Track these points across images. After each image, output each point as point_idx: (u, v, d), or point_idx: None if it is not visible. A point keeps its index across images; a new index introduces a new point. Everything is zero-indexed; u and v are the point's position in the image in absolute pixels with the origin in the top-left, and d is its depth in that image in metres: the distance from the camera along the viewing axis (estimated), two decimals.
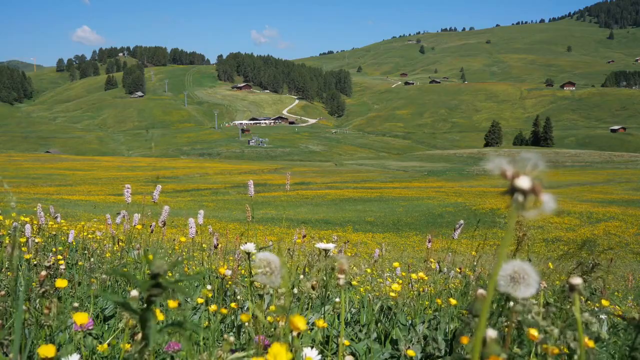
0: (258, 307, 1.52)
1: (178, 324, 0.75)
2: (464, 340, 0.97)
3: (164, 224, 3.29)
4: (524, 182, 0.57)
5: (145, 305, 0.71)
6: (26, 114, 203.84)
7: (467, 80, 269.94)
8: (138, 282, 0.71)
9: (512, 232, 0.59)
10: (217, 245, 3.66)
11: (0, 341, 1.37)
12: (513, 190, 0.57)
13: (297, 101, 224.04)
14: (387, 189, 50.65)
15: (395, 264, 3.89)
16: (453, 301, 2.57)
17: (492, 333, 0.75)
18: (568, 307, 1.06)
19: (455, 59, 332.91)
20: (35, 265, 2.80)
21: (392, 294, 2.42)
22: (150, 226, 4.01)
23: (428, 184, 57.28)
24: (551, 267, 4.43)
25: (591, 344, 1.07)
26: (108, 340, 1.92)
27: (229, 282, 2.72)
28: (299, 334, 1.17)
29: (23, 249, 3.46)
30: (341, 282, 1.26)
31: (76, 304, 1.74)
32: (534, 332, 1.08)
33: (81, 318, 1.48)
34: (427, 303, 3.22)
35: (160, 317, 1.72)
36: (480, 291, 0.95)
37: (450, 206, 35.21)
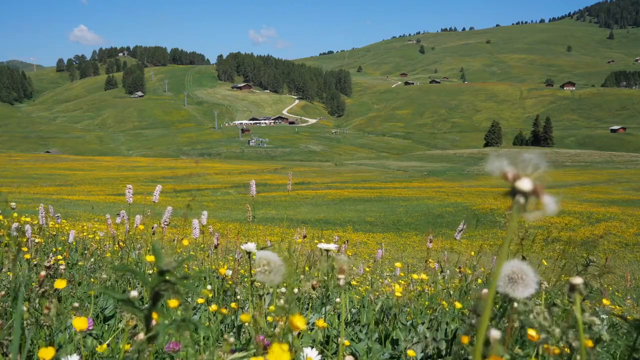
0: (258, 307, 1.52)
1: (185, 321, 0.75)
2: (465, 339, 0.96)
3: (167, 224, 3.29)
4: (525, 184, 0.56)
5: (151, 302, 0.71)
6: (26, 114, 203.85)
7: (467, 80, 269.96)
8: (146, 279, 0.71)
9: (512, 233, 0.59)
10: (217, 245, 3.66)
11: (0, 341, 1.37)
12: (514, 192, 0.57)
13: (297, 101, 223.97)
14: (387, 189, 50.64)
15: (397, 264, 3.89)
16: (456, 303, 2.57)
17: (495, 333, 0.75)
18: (569, 307, 1.06)
19: (455, 59, 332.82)
20: (35, 265, 2.80)
21: (398, 294, 2.42)
22: (152, 227, 4.01)
23: (428, 184, 57.27)
24: (545, 264, 4.43)
25: (591, 344, 1.07)
26: (108, 341, 1.92)
27: (229, 282, 2.72)
28: (299, 334, 1.17)
29: (24, 248, 3.46)
30: (341, 282, 1.26)
31: (76, 304, 1.74)
32: (533, 332, 1.08)
33: (80, 323, 1.39)
34: (427, 303, 3.22)
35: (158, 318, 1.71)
36: (485, 291, 0.94)
37: (450, 206, 35.19)
